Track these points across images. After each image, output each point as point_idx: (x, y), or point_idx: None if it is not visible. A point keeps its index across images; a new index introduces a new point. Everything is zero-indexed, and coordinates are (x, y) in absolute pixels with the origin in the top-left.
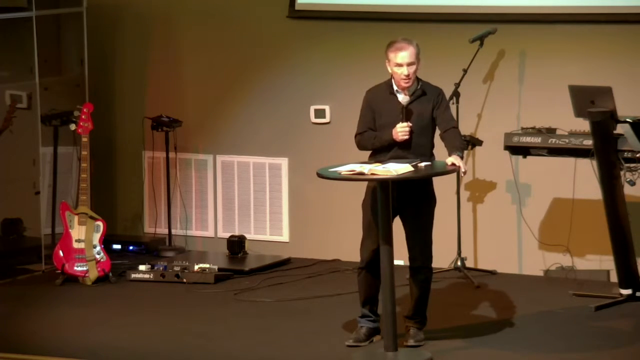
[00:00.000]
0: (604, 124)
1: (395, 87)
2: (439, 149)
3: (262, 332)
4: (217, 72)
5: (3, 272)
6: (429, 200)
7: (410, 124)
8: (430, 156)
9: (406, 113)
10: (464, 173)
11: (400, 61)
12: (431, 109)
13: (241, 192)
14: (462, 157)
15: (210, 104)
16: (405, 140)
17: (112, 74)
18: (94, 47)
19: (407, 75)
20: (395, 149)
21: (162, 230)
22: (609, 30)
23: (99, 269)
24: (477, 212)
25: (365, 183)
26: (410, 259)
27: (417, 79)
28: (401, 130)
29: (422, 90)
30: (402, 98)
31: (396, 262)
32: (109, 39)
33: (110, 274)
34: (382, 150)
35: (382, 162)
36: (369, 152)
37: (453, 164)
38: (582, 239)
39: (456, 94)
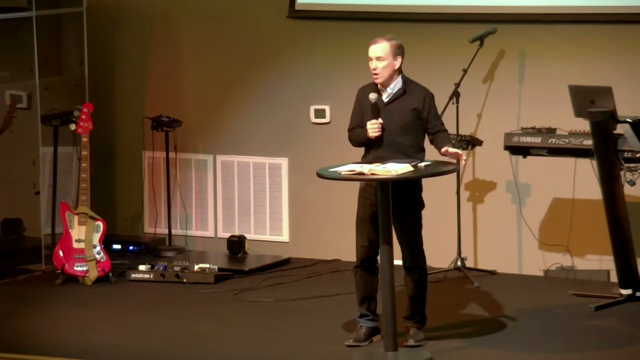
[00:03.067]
0: (604, 124)
1: (379, 85)
2: (431, 150)
3: (262, 332)
4: (217, 72)
5: (3, 272)
6: (414, 200)
7: (382, 122)
8: (414, 154)
9: (376, 110)
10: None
11: (371, 55)
12: (413, 109)
13: (241, 192)
14: None
15: (210, 104)
16: (380, 138)
17: (112, 74)
18: (94, 47)
19: (374, 69)
20: (375, 148)
21: (162, 230)
22: (609, 30)
23: (99, 269)
24: (477, 212)
25: None
26: (402, 259)
27: (403, 78)
28: (370, 128)
29: (403, 89)
30: (373, 96)
31: (396, 262)
32: (109, 39)
33: (110, 274)
34: (368, 150)
35: (374, 162)
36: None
37: (449, 152)
38: (582, 239)
39: (456, 94)
